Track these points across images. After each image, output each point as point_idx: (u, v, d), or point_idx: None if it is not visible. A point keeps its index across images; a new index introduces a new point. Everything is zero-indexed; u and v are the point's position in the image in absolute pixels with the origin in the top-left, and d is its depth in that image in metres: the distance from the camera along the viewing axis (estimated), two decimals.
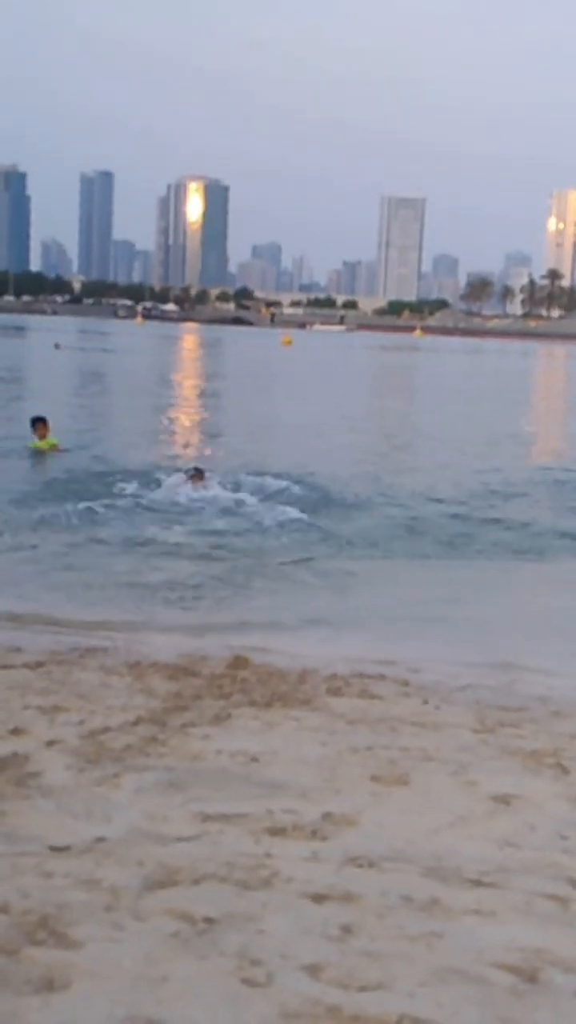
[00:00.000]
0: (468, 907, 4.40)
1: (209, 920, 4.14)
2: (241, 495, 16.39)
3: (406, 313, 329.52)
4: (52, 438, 20.82)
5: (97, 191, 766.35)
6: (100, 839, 4.89)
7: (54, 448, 20.62)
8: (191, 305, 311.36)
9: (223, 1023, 3.49)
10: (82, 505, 15.31)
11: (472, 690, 8.00)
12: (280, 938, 4.04)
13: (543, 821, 5.42)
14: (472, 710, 7.43)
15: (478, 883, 4.63)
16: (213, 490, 16.43)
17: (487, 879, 4.67)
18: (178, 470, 17.57)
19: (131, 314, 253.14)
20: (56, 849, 4.78)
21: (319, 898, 4.39)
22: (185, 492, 16.23)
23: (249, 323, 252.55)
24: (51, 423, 21.18)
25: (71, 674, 7.72)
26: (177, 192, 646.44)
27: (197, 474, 16.74)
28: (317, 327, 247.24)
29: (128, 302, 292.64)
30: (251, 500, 16.13)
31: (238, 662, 8.19)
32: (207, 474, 16.84)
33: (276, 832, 5.06)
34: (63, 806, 5.28)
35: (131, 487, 16.65)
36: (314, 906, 4.33)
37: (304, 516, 15.14)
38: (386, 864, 4.77)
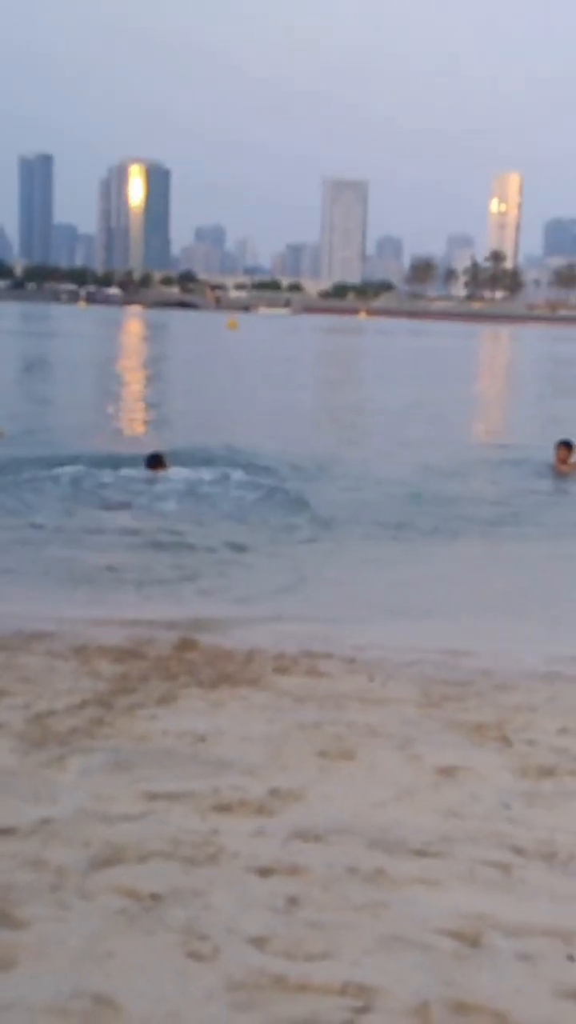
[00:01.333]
0: (413, 876, 4.46)
1: (155, 896, 4.17)
2: (192, 479, 16.38)
3: (351, 295, 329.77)
4: None
5: (37, 174, 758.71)
6: (46, 820, 4.89)
7: None
8: (135, 289, 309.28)
9: (169, 997, 3.52)
10: (27, 491, 15.21)
11: (417, 666, 8.07)
12: (226, 912, 4.07)
13: (487, 792, 5.49)
14: (417, 685, 7.50)
15: (423, 853, 4.69)
16: (165, 474, 16.41)
17: (431, 849, 4.73)
18: (132, 455, 17.45)
19: (74, 298, 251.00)
20: (1, 831, 4.77)
21: (265, 872, 4.43)
22: (140, 477, 16.20)
23: (194, 306, 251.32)
24: None
25: (15, 658, 7.69)
26: (119, 175, 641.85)
27: (155, 459, 16.69)
28: (262, 310, 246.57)
29: (71, 286, 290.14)
30: (201, 484, 16.14)
31: (185, 644, 8.20)
32: (165, 459, 16.78)
33: (223, 809, 5.09)
34: (8, 788, 5.27)
35: (79, 473, 16.57)
36: (260, 880, 4.37)
37: (256, 500, 15.17)
38: (332, 837, 4.81)
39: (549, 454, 19.46)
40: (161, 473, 16.39)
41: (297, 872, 4.44)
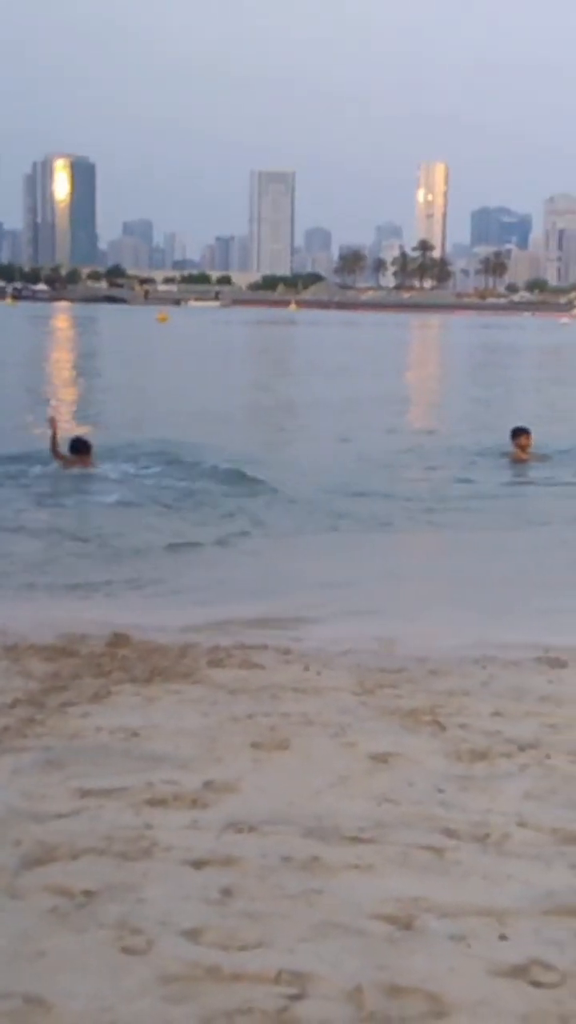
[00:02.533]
0: (347, 863, 4.47)
1: (88, 893, 4.14)
2: (126, 474, 16.33)
3: (281, 287, 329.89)
4: None
5: None
6: None
7: None
8: (62, 284, 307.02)
9: (102, 993, 3.50)
10: None
11: (353, 655, 8.08)
12: (160, 906, 4.06)
13: (420, 776, 5.52)
14: (352, 673, 7.52)
15: (357, 839, 4.71)
16: (93, 468, 16.32)
17: (365, 835, 4.75)
18: (59, 448, 17.29)
19: (1, 295, 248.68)
20: None
21: (199, 864, 4.42)
22: (71, 474, 16.07)
23: (123, 301, 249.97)
24: None
25: None
26: (43, 170, 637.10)
27: (80, 445, 16.52)
28: (192, 303, 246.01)
29: None
30: (135, 479, 16.09)
31: (118, 640, 8.14)
32: (92, 451, 16.63)
33: (156, 803, 5.07)
34: None
35: (8, 470, 16.44)
36: (194, 872, 4.36)
37: (191, 495, 15.13)
38: (266, 827, 4.81)
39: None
40: (90, 466, 16.27)
41: (231, 863, 4.44)
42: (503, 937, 3.92)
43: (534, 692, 7.16)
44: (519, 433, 18.64)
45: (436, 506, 15.11)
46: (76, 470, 16.09)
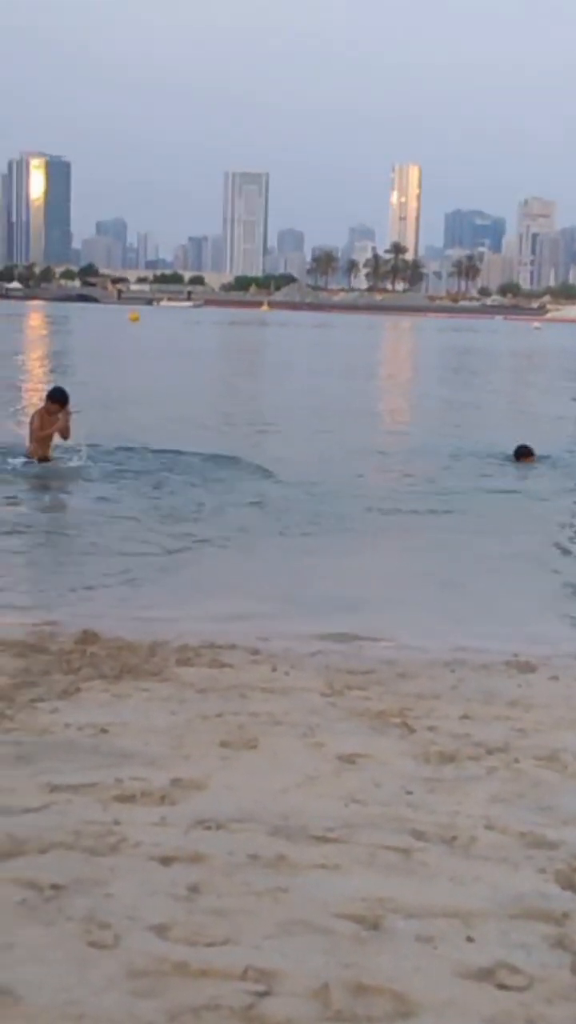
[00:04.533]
0: (314, 862, 4.48)
1: (56, 887, 4.14)
2: (88, 468, 16.27)
3: (253, 288, 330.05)
4: None
5: None
6: None
7: None
8: (36, 283, 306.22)
9: (69, 986, 3.50)
10: None
11: (321, 656, 8.11)
12: (128, 901, 4.06)
13: (388, 778, 5.54)
14: (321, 674, 7.54)
15: (324, 839, 4.72)
16: (58, 463, 16.25)
17: (332, 835, 4.76)
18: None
19: None
20: None
21: (167, 860, 4.42)
22: (39, 471, 15.97)
23: (95, 300, 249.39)
24: None
25: None
26: (18, 169, 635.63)
27: (59, 399, 16.30)
28: (164, 303, 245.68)
29: None
30: (107, 475, 16.05)
31: (87, 637, 8.14)
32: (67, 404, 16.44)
33: (124, 799, 5.07)
34: None
35: None
36: (162, 868, 4.36)
37: (160, 497, 15.06)
38: (234, 825, 4.82)
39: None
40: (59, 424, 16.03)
41: (199, 860, 4.45)
42: (470, 939, 3.93)
43: (503, 696, 7.20)
44: (523, 454, 18.92)
45: (411, 509, 15.09)
46: (41, 464, 15.94)
